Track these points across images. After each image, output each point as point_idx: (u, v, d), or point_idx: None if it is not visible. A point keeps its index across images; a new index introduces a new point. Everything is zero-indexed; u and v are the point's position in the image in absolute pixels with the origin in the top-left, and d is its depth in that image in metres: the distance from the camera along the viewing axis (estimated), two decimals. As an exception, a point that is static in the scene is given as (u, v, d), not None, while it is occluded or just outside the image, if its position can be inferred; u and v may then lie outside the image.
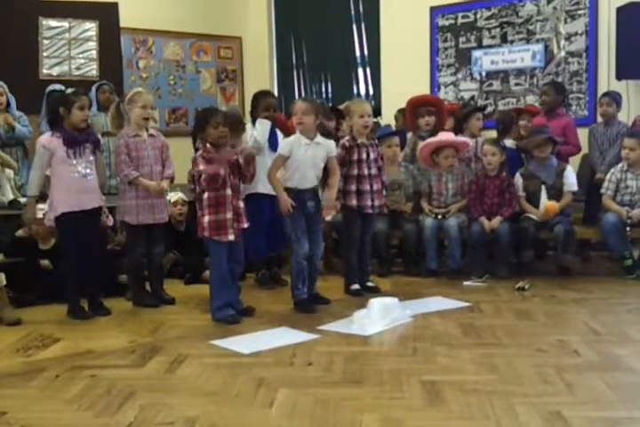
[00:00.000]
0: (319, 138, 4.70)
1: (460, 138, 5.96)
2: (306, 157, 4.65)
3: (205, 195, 4.37)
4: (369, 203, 5.08)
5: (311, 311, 4.61)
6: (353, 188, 5.06)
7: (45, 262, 5.11)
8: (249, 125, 5.34)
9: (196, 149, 5.03)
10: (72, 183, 4.55)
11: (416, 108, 6.36)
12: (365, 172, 5.05)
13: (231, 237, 4.40)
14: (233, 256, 4.49)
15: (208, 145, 4.44)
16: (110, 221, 5.19)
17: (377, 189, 5.11)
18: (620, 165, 5.68)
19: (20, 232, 5.29)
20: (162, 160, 4.91)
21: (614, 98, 6.09)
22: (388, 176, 5.79)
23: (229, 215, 4.39)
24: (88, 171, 4.61)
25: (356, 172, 5.03)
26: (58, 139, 4.53)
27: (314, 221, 4.77)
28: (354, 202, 5.06)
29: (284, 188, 4.66)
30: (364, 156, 5.05)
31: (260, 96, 5.39)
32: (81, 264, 4.59)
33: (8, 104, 6.22)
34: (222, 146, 4.46)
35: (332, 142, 4.80)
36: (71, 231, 4.57)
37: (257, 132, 5.23)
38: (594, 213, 5.95)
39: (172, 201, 5.57)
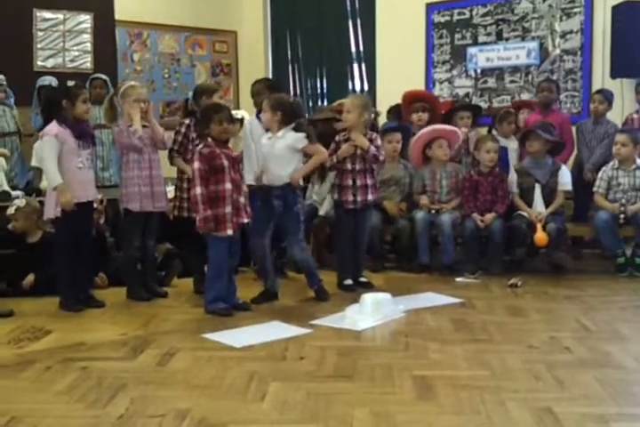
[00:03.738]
0: (281, 132, 4.68)
1: (450, 127, 5.96)
2: (266, 150, 4.72)
3: (198, 190, 4.35)
4: (350, 198, 5.10)
5: (262, 303, 4.70)
6: (337, 182, 5.14)
7: (30, 279, 5.07)
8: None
9: (176, 132, 5.01)
10: (79, 174, 4.57)
11: (411, 103, 6.38)
12: (349, 167, 5.07)
13: (230, 232, 4.40)
14: (229, 250, 4.48)
15: (209, 139, 4.44)
16: (102, 219, 5.19)
17: (361, 184, 5.09)
18: (611, 162, 5.69)
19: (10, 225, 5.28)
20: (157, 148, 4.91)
21: (607, 96, 6.10)
22: (386, 172, 5.80)
23: (228, 210, 4.39)
24: (90, 163, 4.68)
25: (340, 166, 5.08)
26: (65, 130, 4.51)
27: (288, 222, 4.74)
28: (335, 196, 5.14)
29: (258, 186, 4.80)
30: (352, 151, 5.06)
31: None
32: (74, 256, 4.58)
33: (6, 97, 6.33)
34: (223, 142, 4.47)
35: (297, 135, 4.70)
36: (69, 223, 4.55)
37: None
38: (584, 210, 5.98)
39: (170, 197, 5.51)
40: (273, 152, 4.68)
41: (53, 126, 4.52)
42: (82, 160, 4.57)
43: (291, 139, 4.68)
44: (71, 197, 4.47)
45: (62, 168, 4.49)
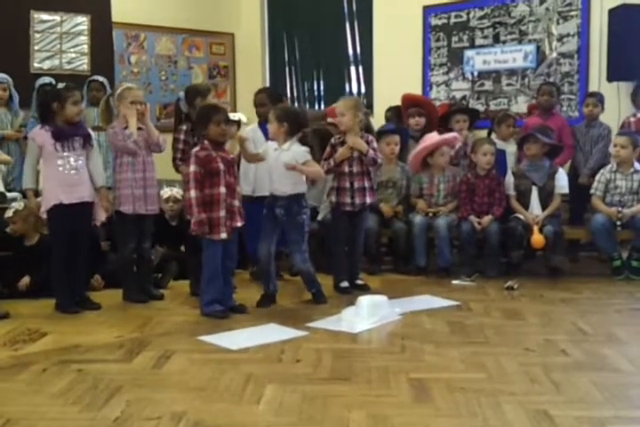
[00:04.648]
0: (287, 144, 4.67)
1: (450, 134, 5.97)
2: (271, 161, 4.72)
3: (193, 193, 4.35)
4: (348, 200, 5.10)
5: (264, 306, 4.70)
6: (335, 184, 5.13)
7: (26, 281, 5.06)
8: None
9: (175, 140, 4.99)
10: (61, 176, 4.55)
11: (407, 107, 6.40)
12: (345, 169, 5.08)
13: (224, 236, 4.39)
14: (227, 253, 4.47)
15: (206, 142, 4.43)
16: (103, 217, 5.18)
17: (359, 186, 5.09)
18: (609, 165, 5.70)
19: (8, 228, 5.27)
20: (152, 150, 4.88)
21: (600, 99, 6.13)
22: (384, 174, 5.79)
23: (222, 213, 4.38)
24: (79, 164, 4.62)
25: (337, 169, 5.08)
26: (46, 132, 4.54)
27: (290, 231, 4.71)
28: (333, 198, 5.13)
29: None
30: (349, 154, 5.05)
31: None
32: (69, 258, 4.58)
33: (10, 99, 6.35)
34: (221, 144, 4.46)
35: (300, 149, 4.68)
36: (61, 225, 4.56)
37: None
38: (580, 213, 5.98)
39: (164, 197, 5.53)
40: (277, 164, 4.67)
41: (35, 130, 4.62)
42: (64, 162, 4.56)
43: (294, 153, 4.66)
44: (35, 204, 4.67)
45: (47, 170, 4.57)
